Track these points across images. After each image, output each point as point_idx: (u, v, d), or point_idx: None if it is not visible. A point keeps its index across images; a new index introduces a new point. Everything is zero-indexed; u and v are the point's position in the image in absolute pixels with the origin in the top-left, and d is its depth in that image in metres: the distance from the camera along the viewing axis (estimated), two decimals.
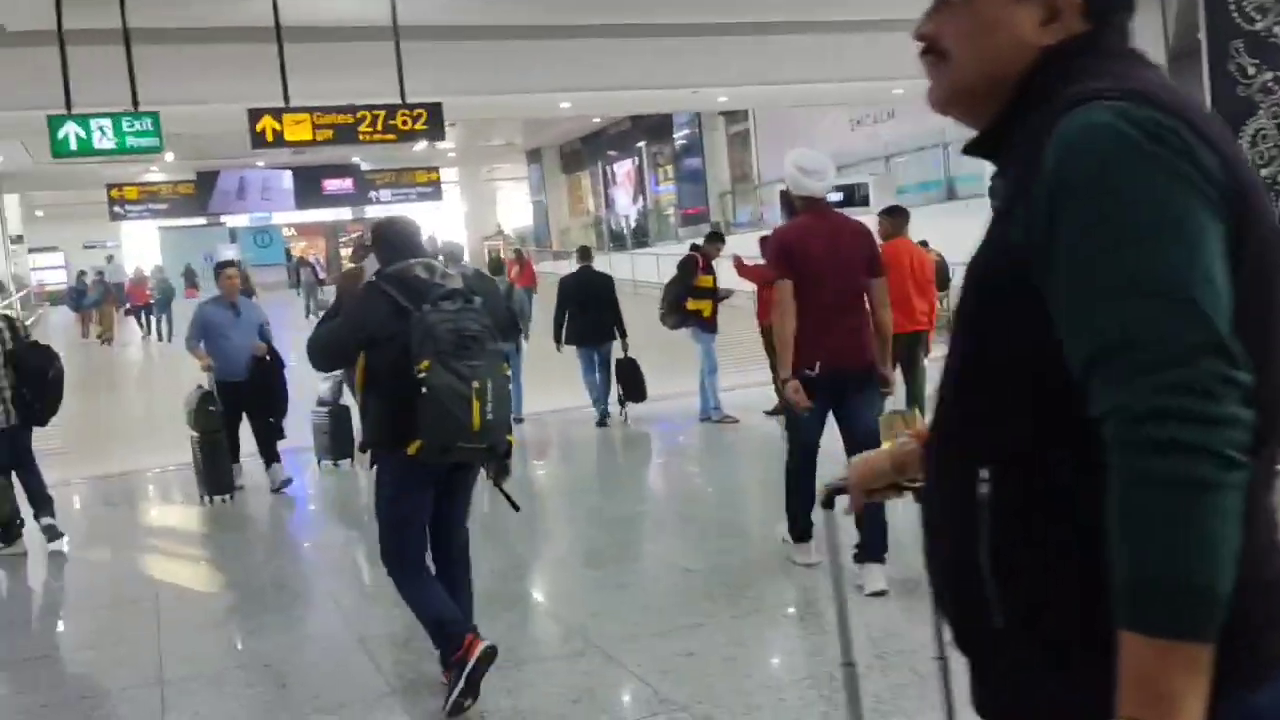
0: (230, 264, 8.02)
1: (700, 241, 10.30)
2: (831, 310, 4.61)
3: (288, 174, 32.36)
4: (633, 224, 29.68)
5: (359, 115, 9.35)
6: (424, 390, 3.46)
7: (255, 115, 9.12)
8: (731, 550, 5.68)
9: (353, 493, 8.11)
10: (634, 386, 9.78)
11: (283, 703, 4.09)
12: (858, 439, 4.48)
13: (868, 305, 4.76)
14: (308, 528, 7.51)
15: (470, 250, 39.40)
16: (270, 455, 7.95)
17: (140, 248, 39.78)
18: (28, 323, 24.74)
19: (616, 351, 9.94)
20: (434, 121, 9.54)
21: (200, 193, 31.70)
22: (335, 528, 7.55)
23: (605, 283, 10.05)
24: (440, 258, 4.45)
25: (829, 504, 2.07)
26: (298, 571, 6.37)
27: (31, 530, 6.91)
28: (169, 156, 28.61)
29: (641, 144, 28.88)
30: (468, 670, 3.58)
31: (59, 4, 8.57)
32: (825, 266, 4.58)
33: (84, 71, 8.75)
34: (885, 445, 1.77)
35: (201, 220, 38.56)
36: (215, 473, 7.67)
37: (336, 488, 8.53)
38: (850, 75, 12.80)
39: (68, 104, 8.68)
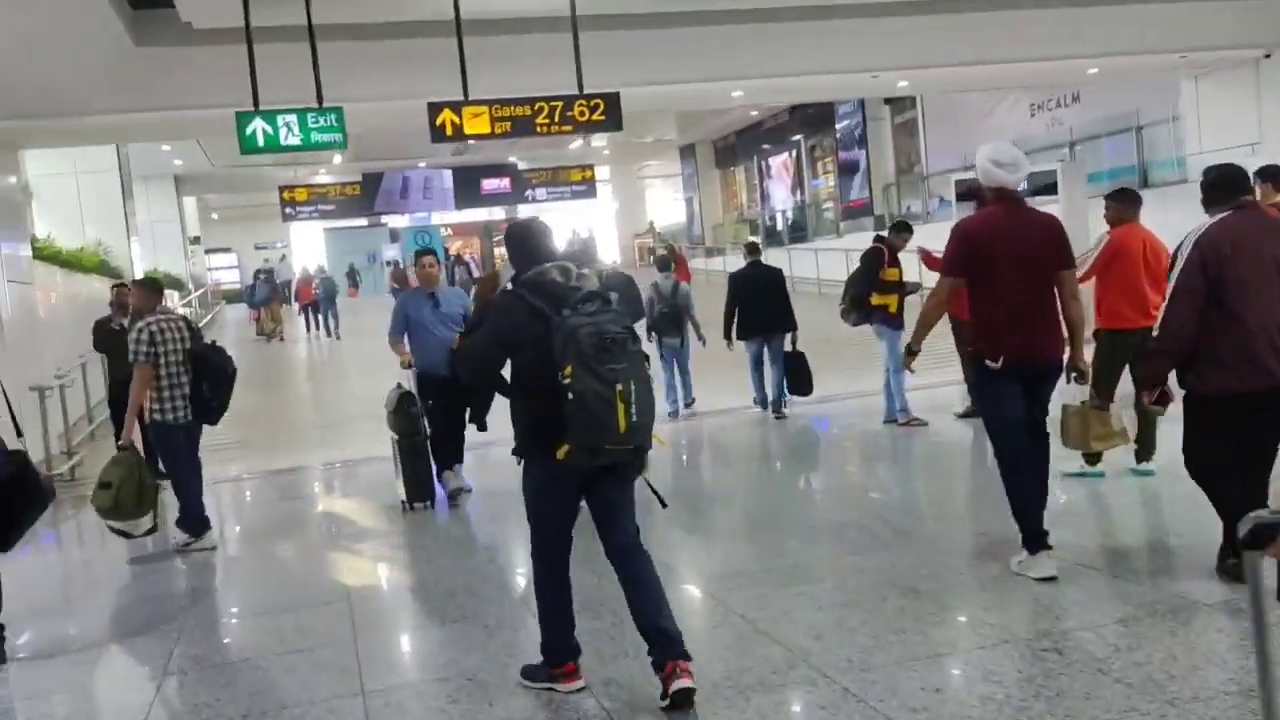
0: (428, 251, 7.72)
1: (885, 233, 9.72)
2: (1019, 304, 4.59)
3: (448, 174, 32.99)
4: (789, 219, 29.02)
5: (536, 107, 9.15)
6: (569, 395, 3.49)
7: (435, 109, 9.02)
8: (958, 569, 5.16)
9: None
10: (801, 380, 9.86)
11: None
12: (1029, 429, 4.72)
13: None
14: (501, 526, 7.25)
15: (621, 247, 39.67)
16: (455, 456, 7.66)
17: (307, 248, 41.38)
18: (204, 320, 26.18)
19: (785, 346, 10.08)
20: (611, 112, 9.27)
21: (365, 193, 32.59)
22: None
23: (775, 277, 10.17)
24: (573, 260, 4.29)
25: (1256, 543, 1.62)
26: (491, 576, 6.15)
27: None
28: (337, 159, 29.58)
29: (799, 137, 28.19)
30: (542, 687, 3.88)
31: (246, 1, 8.64)
32: (1012, 259, 4.57)
33: (269, 69, 8.83)
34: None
35: (364, 221, 39.82)
36: (418, 477, 7.35)
37: None
38: (1042, 55, 11.96)
39: (255, 101, 8.75)
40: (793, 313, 10.00)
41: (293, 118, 8.76)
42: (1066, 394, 5.37)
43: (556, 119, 9.18)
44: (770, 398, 10.18)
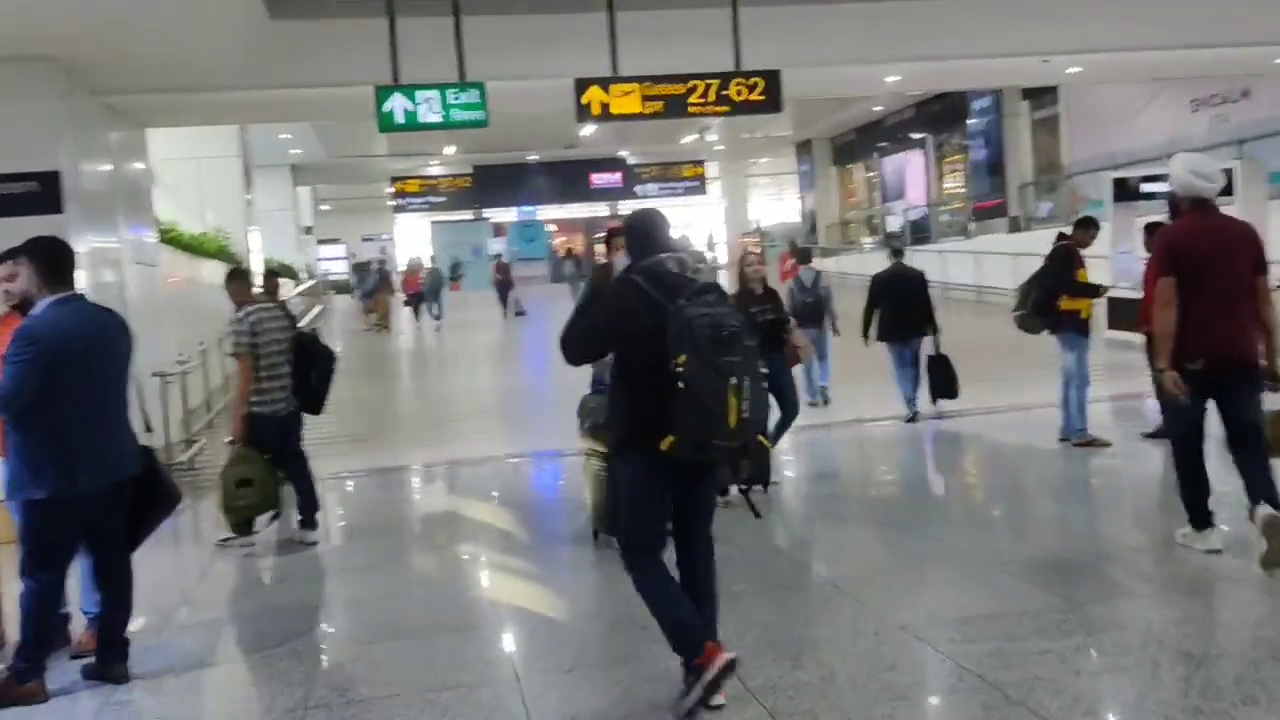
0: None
1: (1068, 230, 8.73)
2: (1216, 307, 4.77)
3: (558, 168, 32.63)
4: (912, 219, 27.85)
5: (690, 85, 8.44)
6: (681, 385, 3.40)
7: (581, 86, 8.38)
8: (1234, 627, 4.29)
9: None
10: (946, 383, 9.60)
11: None
12: (1239, 431, 4.91)
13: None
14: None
15: (729, 245, 38.83)
16: None
17: (413, 241, 41.52)
18: (315, 310, 26.19)
19: (927, 348, 9.84)
20: (771, 91, 8.51)
21: (476, 186, 32.41)
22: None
23: (918, 278, 10.02)
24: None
25: None
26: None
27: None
28: (449, 149, 29.45)
29: (925, 134, 27.02)
30: (707, 679, 3.57)
31: None
32: (1211, 264, 4.78)
33: (408, 44, 8.30)
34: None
35: (468, 215, 39.79)
36: (614, 506, 6.04)
37: None
38: (1235, 39, 10.82)
39: (395, 75, 8.22)
40: (934, 316, 9.78)
41: (433, 94, 8.21)
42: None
43: (711, 98, 8.45)
44: (913, 406, 9.87)
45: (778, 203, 46.56)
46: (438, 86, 8.24)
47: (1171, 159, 5.12)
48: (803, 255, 11.92)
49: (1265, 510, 4.70)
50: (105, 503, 4.35)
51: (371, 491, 9.11)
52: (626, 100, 8.39)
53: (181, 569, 7.01)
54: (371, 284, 24.77)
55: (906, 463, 9.09)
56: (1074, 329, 8.13)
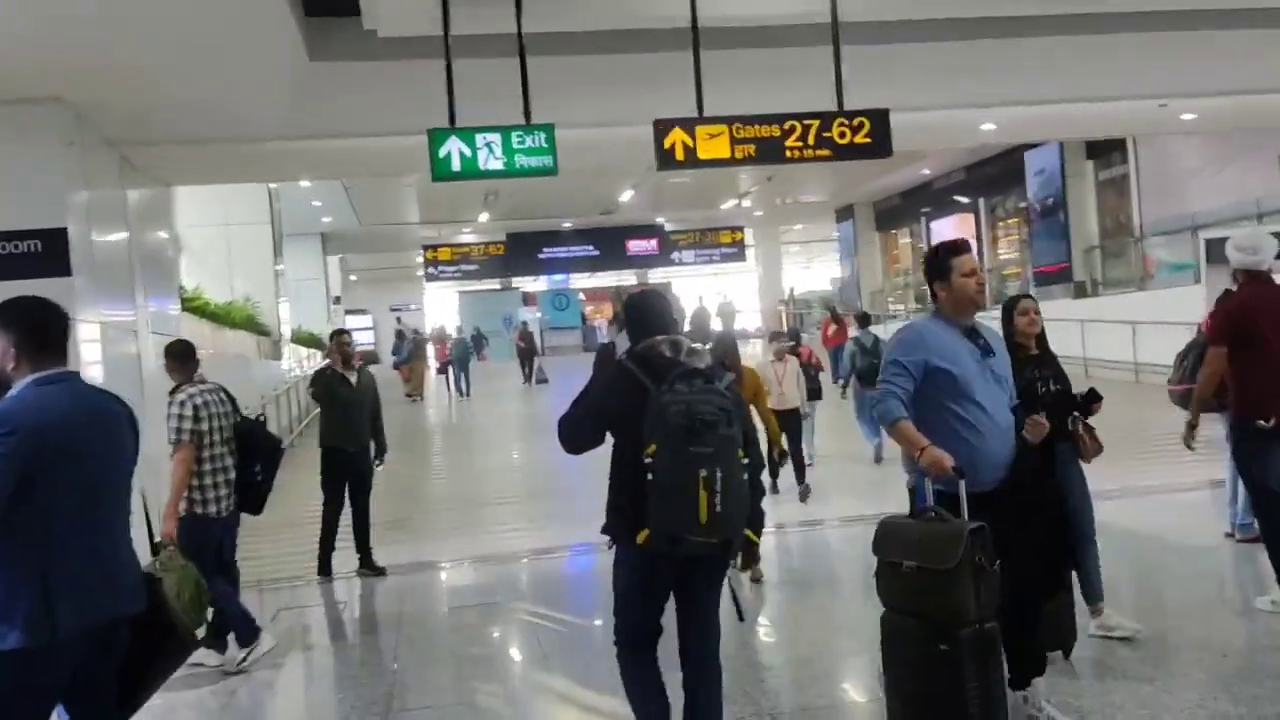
0: None
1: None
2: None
3: (594, 234, 31.81)
4: None
5: (788, 126, 7.37)
6: (649, 476, 3.31)
7: (663, 129, 7.31)
8: None
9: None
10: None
11: None
12: None
13: None
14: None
15: (765, 313, 37.82)
16: None
17: (440, 311, 40.76)
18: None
19: None
20: (878, 133, 7.42)
21: (510, 253, 31.58)
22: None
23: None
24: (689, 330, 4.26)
25: None
26: None
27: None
28: (483, 216, 28.64)
29: (978, 197, 25.98)
30: None
31: (446, 3, 7.14)
32: (1273, 329, 5.11)
33: (464, 86, 7.27)
34: None
35: (496, 284, 39.06)
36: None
37: None
38: None
39: (451, 117, 7.19)
40: None
41: (495, 137, 7.14)
42: None
43: (811, 140, 7.36)
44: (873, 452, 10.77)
45: (809, 271, 45.73)
46: (500, 130, 7.19)
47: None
48: (862, 319, 12.95)
49: None
50: (93, 650, 3.15)
51: (444, 593, 7.91)
52: (715, 144, 7.31)
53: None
54: (406, 353, 24.44)
55: None
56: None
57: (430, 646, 6.41)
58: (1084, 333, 19.04)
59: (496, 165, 7.18)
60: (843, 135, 7.40)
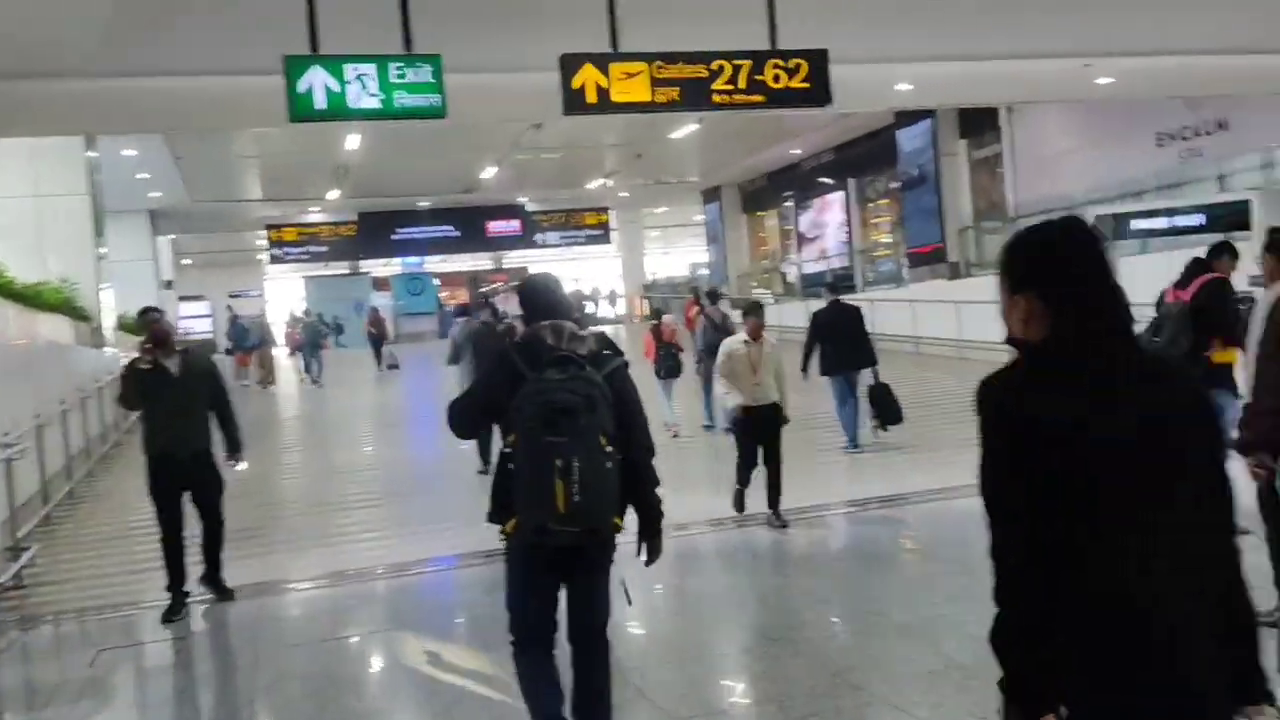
0: None
1: (1202, 254, 6.89)
2: None
3: (452, 215, 30.22)
4: (835, 267, 26.41)
5: (715, 66, 6.33)
6: (510, 466, 3.34)
7: (572, 66, 6.14)
8: None
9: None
10: (889, 409, 10.18)
11: None
12: None
13: None
14: None
15: (626, 300, 37.03)
16: None
17: (285, 297, 38.38)
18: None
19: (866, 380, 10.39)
20: (816, 77, 6.47)
21: (361, 235, 29.67)
22: None
23: (856, 314, 10.64)
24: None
25: None
26: None
27: None
28: (333, 194, 26.70)
29: (848, 178, 25.66)
30: None
31: None
32: None
33: (330, 10, 5.95)
34: None
35: (345, 269, 37.06)
36: None
37: None
38: None
39: (313, 42, 5.86)
40: (873, 348, 10.51)
41: (369, 69, 5.82)
42: None
43: (742, 84, 6.34)
44: (850, 434, 10.36)
45: (666, 256, 45.09)
46: (376, 59, 5.90)
47: None
48: (712, 295, 13.16)
49: None
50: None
51: (303, 627, 6.57)
52: (632, 85, 6.19)
53: None
54: (255, 339, 22.94)
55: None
56: (1228, 387, 6.19)
57: (287, 703, 5.12)
58: (959, 315, 18.84)
59: (371, 104, 5.86)
60: (777, 79, 6.42)
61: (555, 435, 3.24)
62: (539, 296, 3.65)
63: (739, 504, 7.69)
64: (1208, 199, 12.59)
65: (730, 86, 6.36)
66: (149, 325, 6.43)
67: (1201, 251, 6.89)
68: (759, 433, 7.32)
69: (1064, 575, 1.81)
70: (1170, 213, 12.56)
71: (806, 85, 6.46)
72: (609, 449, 3.35)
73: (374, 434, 15.53)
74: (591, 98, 6.18)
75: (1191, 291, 6.45)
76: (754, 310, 7.48)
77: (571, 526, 3.28)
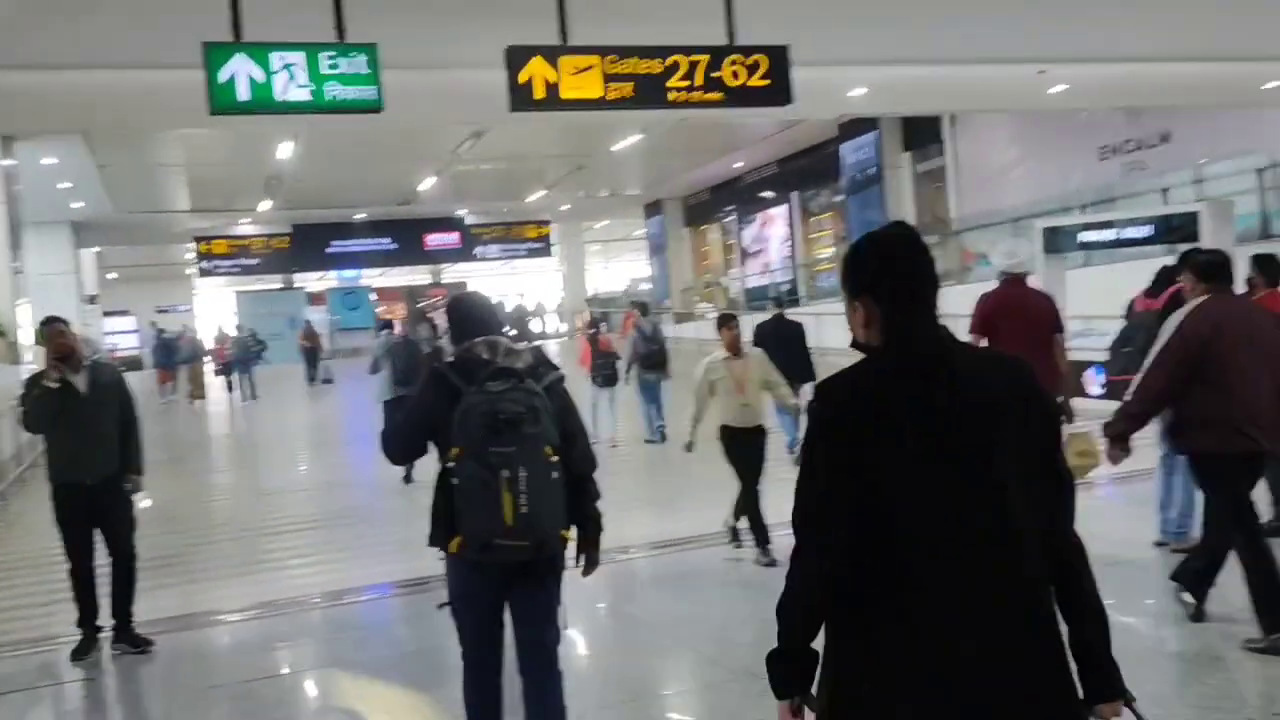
0: None
1: (1170, 261, 6.68)
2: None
3: (389, 227, 29.57)
4: (780, 280, 26.27)
5: (670, 62, 5.98)
6: (454, 481, 3.22)
7: (519, 58, 5.75)
8: None
9: None
10: None
11: None
12: None
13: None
14: None
15: (567, 315, 36.53)
16: None
17: (215, 313, 37.35)
18: None
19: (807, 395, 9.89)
20: (777, 73, 6.14)
21: (296, 247, 28.88)
22: None
23: (797, 329, 11.04)
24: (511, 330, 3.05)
25: None
26: None
27: None
28: (264, 205, 25.90)
29: (792, 191, 25.55)
30: None
31: None
32: (1018, 324, 6.22)
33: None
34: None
35: (278, 284, 36.18)
36: None
37: None
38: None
39: (235, 29, 5.39)
40: (812, 364, 10.58)
41: (297, 57, 5.38)
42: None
43: (699, 80, 5.98)
44: (790, 436, 10.08)
45: (605, 270, 44.69)
46: (305, 46, 5.45)
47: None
48: (644, 308, 13.81)
49: None
50: None
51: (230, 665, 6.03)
52: (583, 81, 5.80)
53: None
54: (185, 354, 22.56)
55: None
56: None
57: None
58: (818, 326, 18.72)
59: (300, 96, 5.40)
60: (735, 75, 6.07)
61: (501, 445, 3.18)
62: (470, 313, 3.59)
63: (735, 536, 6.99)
64: (1157, 211, 12.54)
65: (686, 83, 6.00)
66: (52, 338, 5.71)
67: (1163, 262, 6.81)
68: (743, 459, 6.60)
69: (875, 576, 1.86)
70: (1117, 224, 12.47)
71: (766, 83, 6.13)
72: (554, 459, 3.28)
73: (307, 453, 14.93)
74: (539, 93, 5.77)
75: (1163, 300, 6.23)
76: (727, 321, 6.79)
77: (520, 540, 3.20)
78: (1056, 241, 13.52)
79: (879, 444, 1.87)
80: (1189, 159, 14.95)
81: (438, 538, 3.36)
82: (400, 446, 3.57)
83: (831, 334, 20.96)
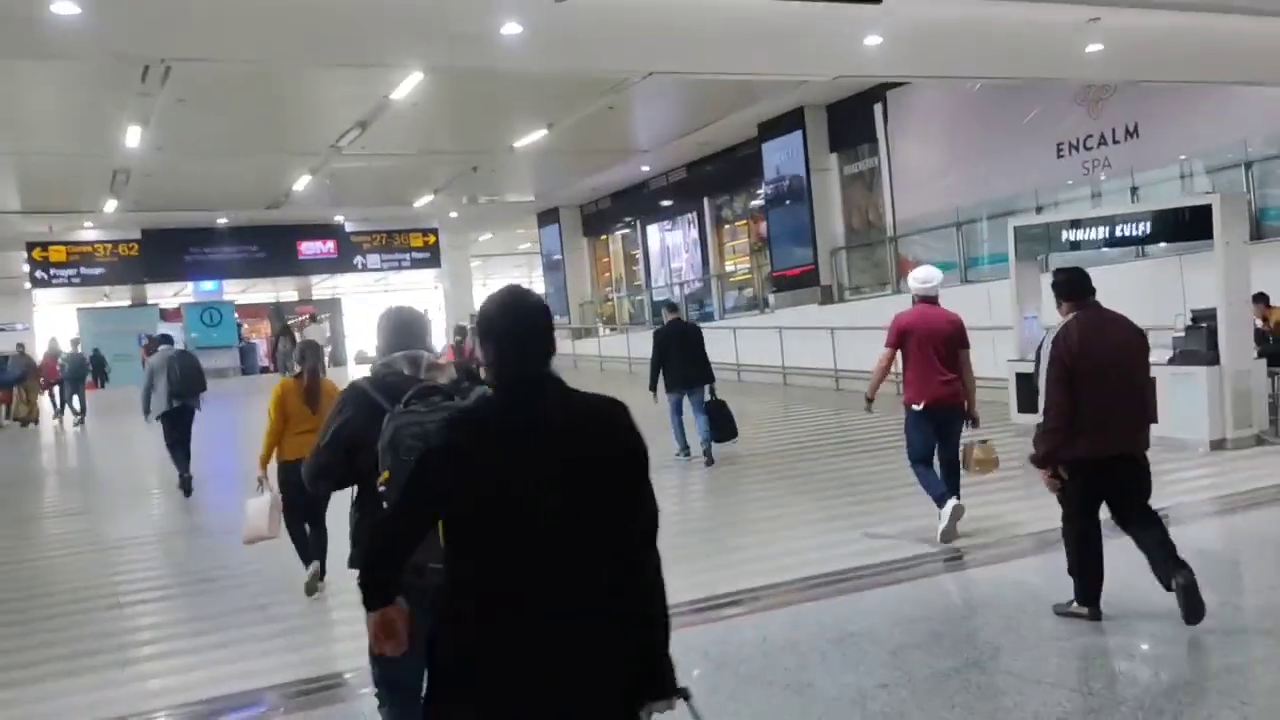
0: None
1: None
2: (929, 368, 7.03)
3: (256, 234, 26.66)
4: (687, 292, 24.51)
5: None
6: (384, 506, 3.10)
7: None
8: None
9: None
10: (726, 426, 10.61)
11: None
12: (948, 457, 7.05)
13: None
14: None
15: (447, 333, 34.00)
16: None
17: (55, 330, 33.63)
18: None
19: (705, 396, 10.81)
20: None
21: (146, 255, 25.69)
22: None
23: (695, 332, 11.23)
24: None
25: None
26: None
27: None
28: (110, 206, 22.76)
29: (702, 196, 23.82)
30: None
31: None
32: (927, 341, 6.99)
33: None
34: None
35: (126, 301, 32.82)
36: None
37: None
38: None
39: None
40: (710, 367, 10.92)
41: None
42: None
43: None
44: (702, 446, 10.75)
45: (484, 288, 42.14)
46: None
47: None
48: (460, 331, 14.02)
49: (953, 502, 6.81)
50: None
51: None
52: None
53: None
54: (17, 370, 20.77)
55: None
56: None
57: None
58: (834, 340, 17.18)
59: None
60: None
61: None
62: (395, 327, 3.56)
63: None
64: (1163, 205, 11.16)
65: None
66: None
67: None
68: None
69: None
70: (1117, 220, 11.06)
71: None
72: None
73: (158, 491, 12.24)
74: None
75: None
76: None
77: None
78: (1030, 243, 12.10)
79: (478, 485, 2.32)
80: (1160, 157, 13.74)
81: (359, 559, 3.09)
82: (322, 471, 3.45)
83: (750, 350, 19.44)
